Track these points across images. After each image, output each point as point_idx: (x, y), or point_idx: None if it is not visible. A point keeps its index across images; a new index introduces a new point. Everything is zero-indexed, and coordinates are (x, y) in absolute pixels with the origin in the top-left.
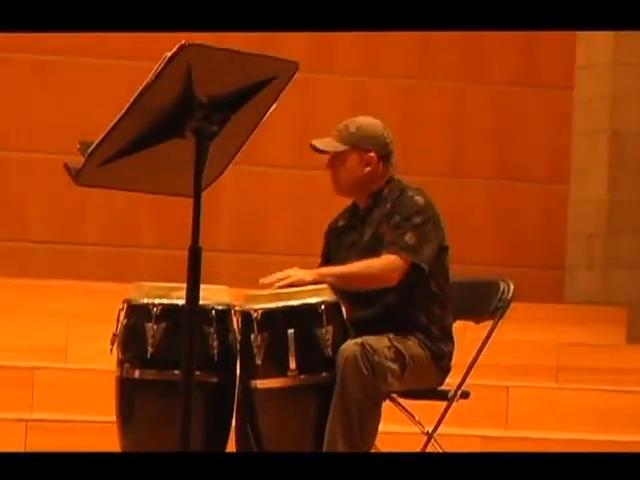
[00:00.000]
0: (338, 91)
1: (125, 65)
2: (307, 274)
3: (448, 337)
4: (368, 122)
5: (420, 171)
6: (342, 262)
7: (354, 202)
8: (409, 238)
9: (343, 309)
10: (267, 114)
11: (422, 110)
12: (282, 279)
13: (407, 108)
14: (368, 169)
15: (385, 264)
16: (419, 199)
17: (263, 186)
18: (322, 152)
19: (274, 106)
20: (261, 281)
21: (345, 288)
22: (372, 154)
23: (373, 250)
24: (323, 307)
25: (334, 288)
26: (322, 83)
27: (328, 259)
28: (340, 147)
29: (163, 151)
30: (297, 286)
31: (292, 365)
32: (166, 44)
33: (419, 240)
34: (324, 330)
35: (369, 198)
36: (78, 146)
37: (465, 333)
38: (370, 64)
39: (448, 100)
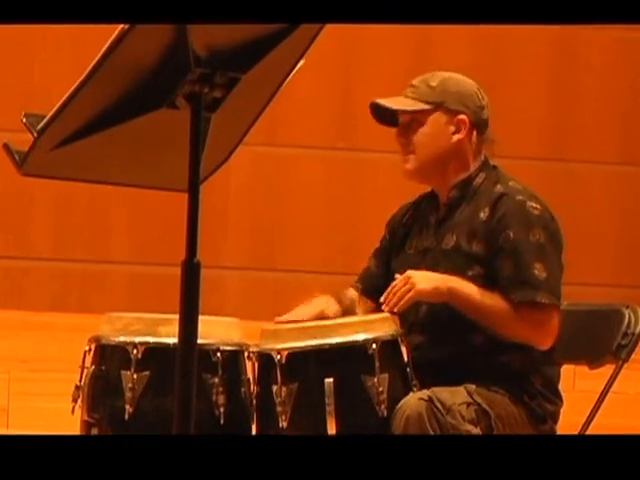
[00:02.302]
0: (391, 40)
1: None
2: (437, 283)
3: (553, 390)
4: (455, 77)
5: (508, 152)
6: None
7: (432, 193)
8: (540, 271)
9: (403, 349)
10: (292, 74)
11: (508, 65)
12: (405, 292)
13: (488, 63)
14: (457, 137)
15: (542, 325)
16: (534, 207)
17: (287, 175)
18: (387, 120)
19: (302, 62)
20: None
21: (471, 316)
22: (463, 116)
23: (455, 266)
24: (375, 346)
25: (402, 317)
26: (372, 29)
27: (384, 262)
28: (418, 105)
29: (145, 127)
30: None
31: (331, 429)
32: None
33: (549, 269)
34: (376, 379)
35: (454, 189)
36: (23, 120)
37: (575, 382)
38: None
39: (546, 50)
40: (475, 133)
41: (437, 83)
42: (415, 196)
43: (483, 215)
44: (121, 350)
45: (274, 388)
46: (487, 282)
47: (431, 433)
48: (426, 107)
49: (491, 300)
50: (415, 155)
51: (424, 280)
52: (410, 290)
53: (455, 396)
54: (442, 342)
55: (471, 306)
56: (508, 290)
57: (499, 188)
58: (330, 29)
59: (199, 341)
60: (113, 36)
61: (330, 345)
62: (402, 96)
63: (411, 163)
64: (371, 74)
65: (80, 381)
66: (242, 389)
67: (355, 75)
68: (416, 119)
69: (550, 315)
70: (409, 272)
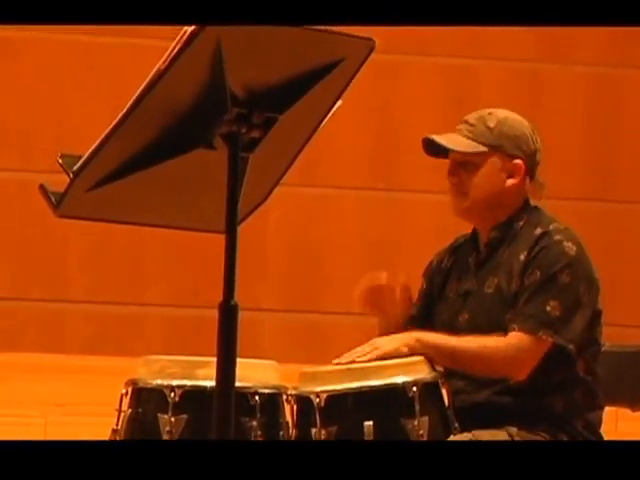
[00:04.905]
0: (429, 79)
1: (126, 43)
2: (402, 341)
3: (594, 433)
4: (511, 117)
5: (547, 193)
6: (449, 318)
7: (473, 234)
8: (553, 308)
9: (444, 392)
10: (330, 114)
11: (546, 104)
12: (368, 353)
13: (526, 102)
14: (511, 182)
15: (515, 350)
16: (570, 247)
17: (325, 216)
18: (439, 153)
19: (340, 103)
20: (336, 362)
21: (450, 368)
22: (519, 161)
23: (497, 309)
24: (415, 389)
25: (432, 361)
26: (410, 68)
27: (429, 308)
28: (476, 147)
29: (182, 168)
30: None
31: None
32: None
33: (567, 310)
34: (416, 422)
35: (495, 230)
36: (59, 161)
37: (617, 425)
38: (477, 40)
39: (585, 89)
40: (527, 178)
41: (495, 124)
42: (454, 236)
43: (522, 257)
44: (158, 393)
45: (313, 431)
46: None
47: None
48: (484, 149)
49: (461, 345)
50: (468, 196)
51: (388, 342)
52: (375, 349)
53: (496, 439)
54: (483, 385)
55: (441, 354)
56: (512, 321)
57: (539, 230)
58: (367, 69)
59: (237, 384)
60: (150, 76)
61: (370, 388)
62: (456, 133)
63: (463, 203)
64: (409, 114)
65: (117, 425)
66: (281, 432)
67: (393, 115)
68: (471, 160)
69: (541, 353)
70: (374, 339)
